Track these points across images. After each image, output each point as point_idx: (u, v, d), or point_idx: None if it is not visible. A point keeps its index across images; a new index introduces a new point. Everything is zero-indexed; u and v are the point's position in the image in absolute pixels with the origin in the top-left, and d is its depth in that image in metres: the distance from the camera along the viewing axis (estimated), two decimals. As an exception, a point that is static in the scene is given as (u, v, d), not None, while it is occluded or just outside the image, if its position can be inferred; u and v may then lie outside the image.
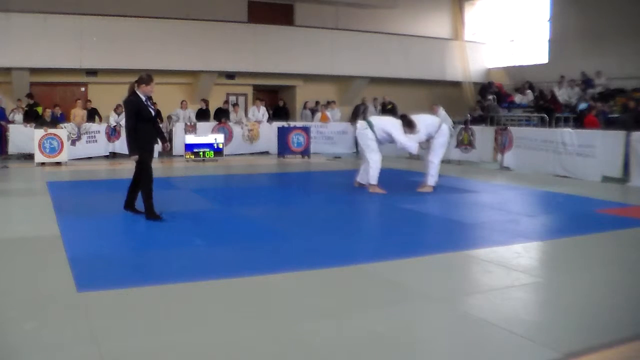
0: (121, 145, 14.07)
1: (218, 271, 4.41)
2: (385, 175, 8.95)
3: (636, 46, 15.15)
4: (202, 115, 15.59)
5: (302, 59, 17.41)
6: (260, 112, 15.86)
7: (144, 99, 6.20)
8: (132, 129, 6.18)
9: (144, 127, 6.23)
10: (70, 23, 14.79)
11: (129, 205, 6.63)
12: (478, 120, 15.86)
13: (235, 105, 16.52)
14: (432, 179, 8.83)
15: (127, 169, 11.73)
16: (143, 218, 6.30)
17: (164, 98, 15.64)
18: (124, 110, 6.29)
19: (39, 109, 14.00)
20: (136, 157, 6.20)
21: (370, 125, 8.54)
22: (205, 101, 15.98)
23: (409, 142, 8.52)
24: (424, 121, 8.74)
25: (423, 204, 7.66)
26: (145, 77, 6.19)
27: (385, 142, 8.72)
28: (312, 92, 18.31)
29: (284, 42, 17.23)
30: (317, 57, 17.60)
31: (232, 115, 15.77)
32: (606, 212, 7.15)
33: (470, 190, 9.21)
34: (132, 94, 6.18)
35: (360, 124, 8.84)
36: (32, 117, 13.67)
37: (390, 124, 8.60)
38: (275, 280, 4.21)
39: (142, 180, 6.32)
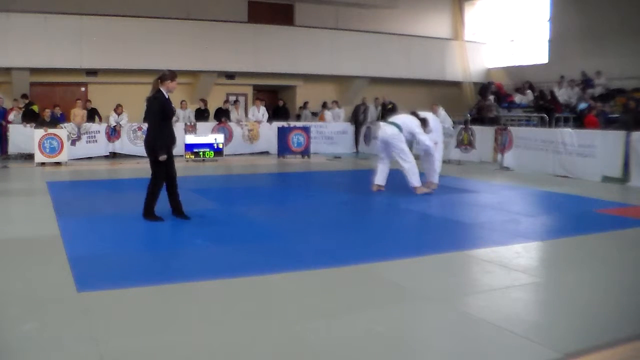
0: (121, 145, 14.11)
1: (218, 271, 4.41)
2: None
3: (636, 46, 15.14)
4: (201, 115, 15.58)
5: (302, 59, 17.40)
6: (260, 112, 15.87)
7: (167, 96, 6.11)
8: (158, 128, 6.10)
9: (167, 125, 6.18)
10: (70, 23, 14.79)
11: (177, 211, 6.38)
12: (494, 121, 15.52)
13: (236, 102, 16.53)
14: (436, 177, 8.91)
15: (127, 169, 11.77)
16: (147, 218, 6.29)
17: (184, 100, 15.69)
18: (148, 107, 6.13)
19: (35, 108, 13.99)
20: (164, 156, 6.08)
21: (400, 129, 8.39)
22: (204, 101, 15.97)
23: (431, 143, 8.57)
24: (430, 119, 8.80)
25: (423, 204, 7.66)
26: (169, 74, 6.09)
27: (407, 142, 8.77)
28: (312, 92, 18.32)
29: (284, 42, 17.23)
30: (317, 57, 17.60)
31: (234, 113, 15.78)
32: (606, 212, 7.15)
33: (470, 190, 9.21)
34: (157, 91, 6.05)
35: (390, 128, 8.43)
36: (29, 116, 13.66)
37: (413, 125, 8.46)
38: (275, 280, 4.21)
39: (153, 179, 6.23)
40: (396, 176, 8.67)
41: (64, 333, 3.18)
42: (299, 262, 4.71)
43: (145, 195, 6.27)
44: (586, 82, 16.24)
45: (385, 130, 8.53)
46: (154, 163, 6.18)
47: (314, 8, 18.61)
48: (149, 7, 15.87)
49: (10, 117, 13.69)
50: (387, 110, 16.61)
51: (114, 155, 14.07)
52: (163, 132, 6.13)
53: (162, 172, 6.22)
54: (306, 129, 15.05)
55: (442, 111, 14.52)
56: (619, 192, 9.14)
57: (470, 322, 3.44)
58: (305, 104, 17.80)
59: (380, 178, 8.63)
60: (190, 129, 14.64)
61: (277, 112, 16.88)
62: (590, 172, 10.28)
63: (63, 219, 6.31)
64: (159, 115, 6.08)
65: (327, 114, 17.09)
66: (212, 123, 15.34)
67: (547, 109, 15.68)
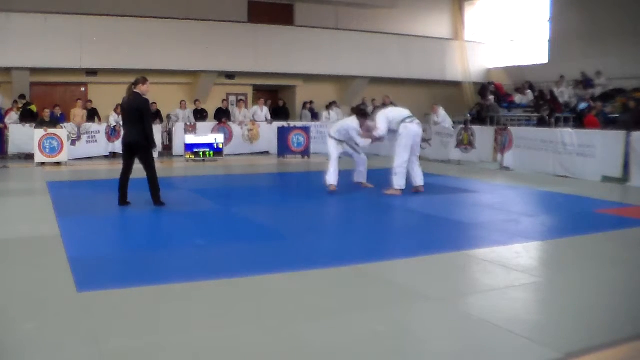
0: (121, 145, 14.10)
1: (218, 271, 4.41)
2: (385, 175, 8.93)
3: (636, 46, 15.14)
4: (198, 115, 15.61)
5: (302, 59, 17.39)
6: (263, 112, 15.93)
7: None
8: (151, 125, 6.93)
9: None
10: (70, 23, 14.78)
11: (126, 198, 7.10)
12: (544, 123, 14.82)
13: (240, 101, 16.50)
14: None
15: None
16: (144, 217, 6.30)
17: (164, 98, 15.68)
18: (145, 108, 6.84)
19: (33, 107, 14.00)
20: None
21: None
22: (198, 101, 16.01)
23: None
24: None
25: (423, 204, 7.66)
26: (141, 78, 6.92)
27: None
28: (312, 92, 18.31)
29: (284, 42, 17.22)
30: (317, 57, 17.58)
31: (237, 113, 15.81)
32: (606, 212, 7.15)
33: (470, 190, 9.20)
34: (138, 94, 6.75)
35: None
36: (27, 116, 13.66)
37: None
38: (275, 280, 4.21)
39: (153, 170, 6.90)
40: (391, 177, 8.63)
41: (64, 333, 3.18)
42: (299, 262, 4.71)
43: (152, 186, 6.87)
44: (586, 82, 16.23)
45: (419, 126, 8.49)
46: (150, 156, 6.93)
47: (314, 8, 18.61)
48: (149, 7, 15.86)
49: (7, 119, 13.64)
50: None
51: (113, 155, 14.05)
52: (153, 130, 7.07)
53: (154, 162, 7.00)
54: (306, 129, 15.05)
55: (442, 111, 14.58)
56: (619, 192, 9.13)
57: (471, 322, 3.44)
58: (305, 104, 17.82)
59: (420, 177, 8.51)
60: (190, 129, 14.65)
61: (277, 112, 16.90)
62: (590, 172, 10.28)
63: (63, 219, 6.31)
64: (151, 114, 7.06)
65: (333, 114, 17.11)
66: (212, 123, 15.35)
67: (547, 109, 15.67)
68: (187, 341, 3.09)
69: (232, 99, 17.27)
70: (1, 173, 11.07)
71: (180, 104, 15.65)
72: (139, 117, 6.74)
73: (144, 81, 6.88)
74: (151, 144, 6.90)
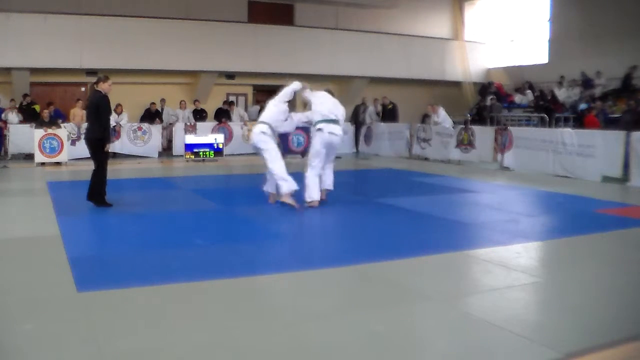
0: (121, 145, 14.12)
1: (218, 271, 4.41)
2: (385, 175, 8.95)
3: (636, 46, 15.14)
4: (197, 115, 15.62)
5: (302, 59, 17.38)
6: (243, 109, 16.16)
7: None
8: (108, 122, 7.08)
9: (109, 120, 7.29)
10: (70, 23, 14.78)
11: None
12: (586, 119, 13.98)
13: (231, 103, 16.45)
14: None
15: (127, 169, 11.78)
16: (144, 217, 6.30)
17: (165, 98, 15.69)
18: (102, 105, 6.91)
19: (37, 107, 13.99)
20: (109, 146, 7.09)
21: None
22: (197, 101, 16.03)
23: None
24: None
25: (423, 204, 7.66)
26: (103, 77, 7.12)
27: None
28: (312, 92, 18.29)
29: (284, 42, 17.22)
30: (317, 57, 17.58)
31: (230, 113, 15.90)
32: (606, 212, 7.15)
33: (470, 190, 9.20)
34: (99, 91, 6.93)
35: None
36: (30, 116, 13.65)
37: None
38: (275, 280, 4.21)
39: (101, 168, 6.97)
40: (395, 176, 8.65)
41: (64, 333, 3.18)
42: (299, 262, 4.71)
43: (95, 184, 6.91)
44: (586, 82, 16.24)
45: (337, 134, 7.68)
46: (103, 153, 6.96)
47: (314, 8, 18.60)
48: (149, 7, 15.85)
49: (4, 115, 13.60)
50: (386, 111, 16.64)
51: (113, 155, 14.01)
52: (109, 126, 7.24)
53: (107, 161, 7.05)
54: (306, 129, 15.03)
55: (442, 111, 14.59)
56: (619, 192, 9.13)
57: (471, 322, 3.44)
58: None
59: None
60: (190, 129, 14.65)
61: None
62: (590, 172, 10.27)
63: (63, 219, 6.31)
64: (109, 112, 7.13)
65: None
66: (212, 123, 15.36)
67: (547, 109, 15.69)
68: (187, 341, 3.09)
69: (232, 98, 17.26)
70: (1, 173, 11.07)
71: (180, 104, 15.66)
72: (95, 113, 6.85)
73: (105, 79, 7.03)
74: (105, 139, 6.91)
